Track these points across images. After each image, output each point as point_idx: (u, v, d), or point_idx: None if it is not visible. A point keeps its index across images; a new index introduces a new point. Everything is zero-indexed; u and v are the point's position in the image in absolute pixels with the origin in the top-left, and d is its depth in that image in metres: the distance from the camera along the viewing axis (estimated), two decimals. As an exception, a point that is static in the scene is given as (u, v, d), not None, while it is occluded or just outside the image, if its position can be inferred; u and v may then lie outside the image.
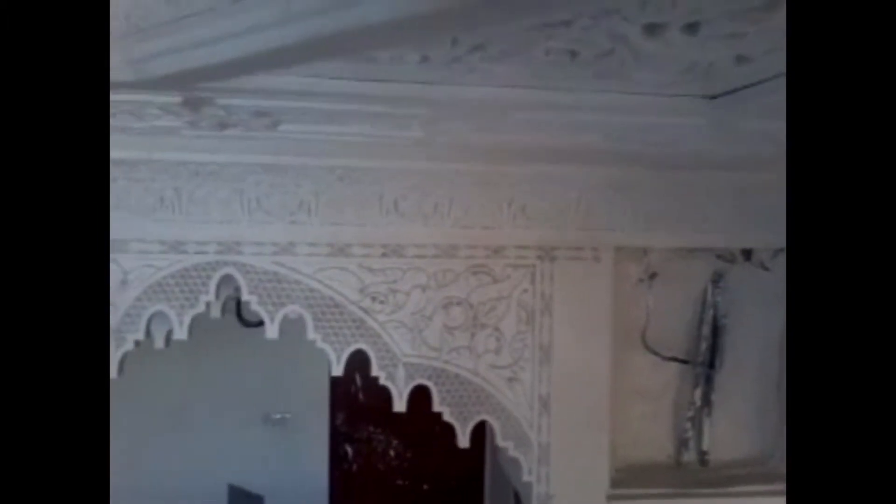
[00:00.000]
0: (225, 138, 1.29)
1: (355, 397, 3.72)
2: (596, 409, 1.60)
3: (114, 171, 1.38)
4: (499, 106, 0.94)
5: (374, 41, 0.65)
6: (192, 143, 1.30)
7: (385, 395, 3.54)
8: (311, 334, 1.53)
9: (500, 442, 1.58)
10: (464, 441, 1.57)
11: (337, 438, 3.72)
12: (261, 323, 3.38)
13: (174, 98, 0.94)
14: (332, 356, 1.54)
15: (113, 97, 0.97)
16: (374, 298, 1.53)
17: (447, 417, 1.56)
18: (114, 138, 1.27)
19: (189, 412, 3.60)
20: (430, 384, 1.56)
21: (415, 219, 1.50)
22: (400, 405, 1.56)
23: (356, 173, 1.44)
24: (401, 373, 1.55)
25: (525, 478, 1.57)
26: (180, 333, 1.51)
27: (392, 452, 3.74)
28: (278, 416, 3.69)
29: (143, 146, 1.28)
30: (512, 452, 1.58)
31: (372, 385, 3.70)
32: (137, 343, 1.51)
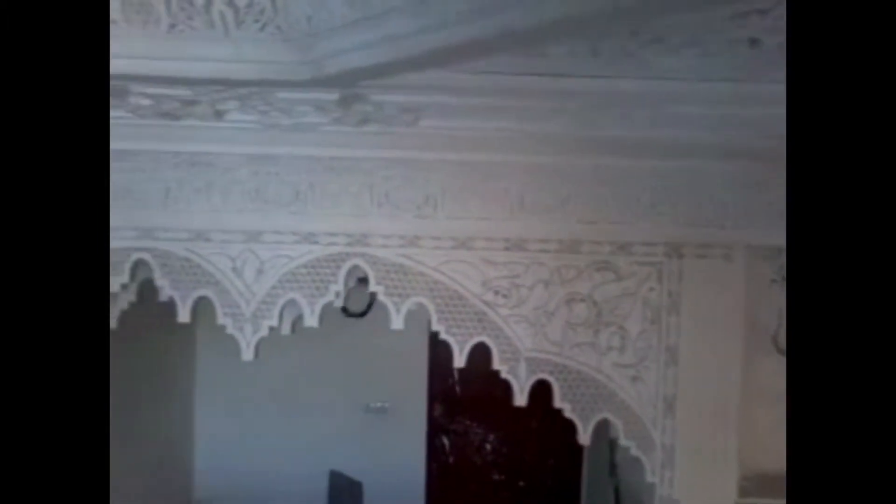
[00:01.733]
0: (361, 134, 1.33)
1: (453, 390, 3.76)
2: (723, 412, 1.54)
3: (255, 166, 1.46)
4: (655, 99, 0.92)
5: (557, 35, 0.65)
6: (329, 138, 1.35)
7: (482, 389, 3.60)
8: (435, 326, 1.55)
9: (622, 441, 1.55)
10: (585, 438, 1.56)
11: (434, 430, 3.78)
12: (362, 314, 3.48)
13: (332, 95, 0.97)
14: (455, 348, 1.56)
15: (271, 95, 1.02)
16: (496, 292, 1.54)
17: (568, 414, 1.55)
18: (261, 135, 1.35)
19: (294, 398, 3.76)
20: (551, 380, 1.55)
21: (539, 213, 1.50)
22: (521, 399, 1.56)
23: (484, 167, 1.46)
24: (522, 367, 1.55)
25: (648, 478, 1.54)
26: (311, 321, 1.57)
27: (488, 446, 3.76)
28: (378, 405, 3.79)
29: (285, 142, 1.35)
30: (634, 452, 1.54)
31: (469, 378, 3.75)
32: (271, 329, 1.59)
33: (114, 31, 0.80)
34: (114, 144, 1.41)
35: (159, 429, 3.52)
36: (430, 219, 1.51)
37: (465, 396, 3.75)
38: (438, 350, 3.68)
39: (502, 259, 1.53)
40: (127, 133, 1.35)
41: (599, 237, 1.50)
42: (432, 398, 3.81)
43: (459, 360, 1.58)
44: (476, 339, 1.56)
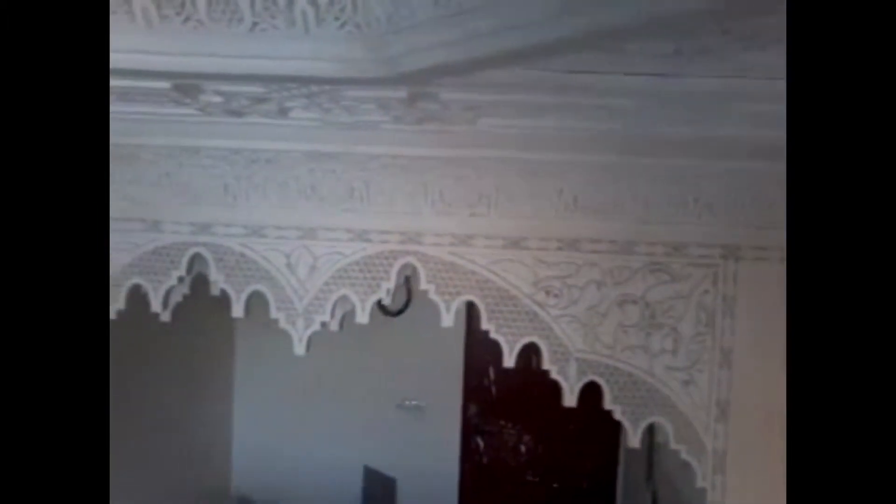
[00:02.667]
0: (418, 132, 1.34)
1: (488, 390, 3.76)
2: (779, 419, 1.50)
3: (311, 163, 1.48)
4: (727, 97, 0.91)
5: (649, 34, 0.65)
6: (387, 136, 1.36)
7: (518, 389, 3.58)
8: (485, 324, 1.56)
9: (672, 445, 1.53)
10: (634, 440, 1.54)
11: (469, 430, 3.79)
12: (399, 312, 3.49)
13: (400, 93, 0.98)
14: (505, 348, 1.56)
15: (339, 93, 1.03)
16: (547, 292, 1.54)
17: (618, 416, 1.54)
18: (320, 132, 1.36)
19: (330, 395, 3.80)
20: (601, 381, 1.54)
21: (593, 213, 1.49)
22: (571, 400, 1.55)
23: (538, 166, 1.45)
24: (572, 368, 1.55)
25: (699, 483, 1.52)
26: (363, 318, 1.59)
27: (523, 447, 3.75)
28: (413, 403, 3.81)
29: (344, 139, 1.36)
30: (684, 456, 1.53)
31: (505, 378, 3.74)
32: (323, 324, 1.61)
33: (197, 30, 0.82)
34: (177, 141, 1.45)
35: (198, 423, 3.59)
36: (483, 217, 1.52)
37: (500, 397, 3.75)
38: (474, 349, 3.68)
39: (554, 259, 1.53)
40: (190, 130, 1.38)
41: (654, 238, 1.49)
42: (467, 398, 3.81)
43: (509, 360, 1.57)
44: (526, 339, 1.56)
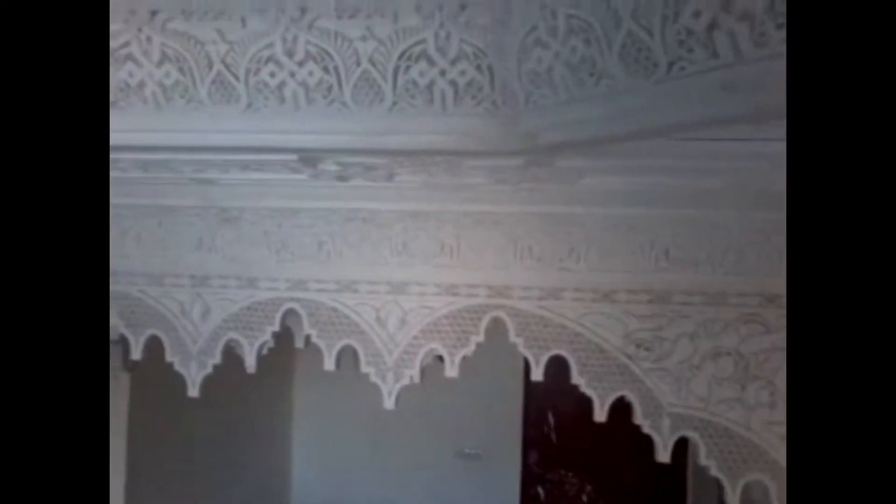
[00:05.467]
0: (515, 191, 1.38)
1: (548, 437, 3.71)
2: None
3: (406, 221, 1.53)
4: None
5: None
6: (484, 195, 1.40)
7: (579, 437, 3.50)
8: (576, 378, 1.56)
9: (775, 503, 1.49)
10: (734, 501, 1.51)
11: (529, 478, 3.72)
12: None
13: (517, 161, 1.02)
14: (596, 402, 1.55)
15: (459, 162, 1.08)
16: (638, 345, 1.54)
17: (714, 472, 1.51)
18: (419, 192, 1.41)
19: (387, 441, 3.79)
20: (696, 436, 1.52)
21: (684, 266, 1.50)
22: (664, 456, 1.53)
23: (629, 220, 1.47)
24: (665, 423, 1.53)
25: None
26: (451, 372, 1.61)
27: (585, 497, 3.67)
28: (471, 451, 3.77)
29: (441, 199, 1.41)
30: (787, 515, 1.49)
31: (565, 426, 3.68)
32: (412, 378, 1.64)
33: (340, 111, 0.88)
34: (279, 203, 1.52)
35: (257, 466, 3.61)
36: (573, 271, 1.54)
37: (561, 444, 3.69)
38: (533, 396, 3.65)
39: (645, 312, 1.53)
40: (293, 193, 1.45)
41: (748, 289, 1.48)
42: (527, 445, 3.76)
43: (601, 415, 1.57)
44: (617, 393, 1.55)
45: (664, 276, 1.50)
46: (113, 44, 0.92)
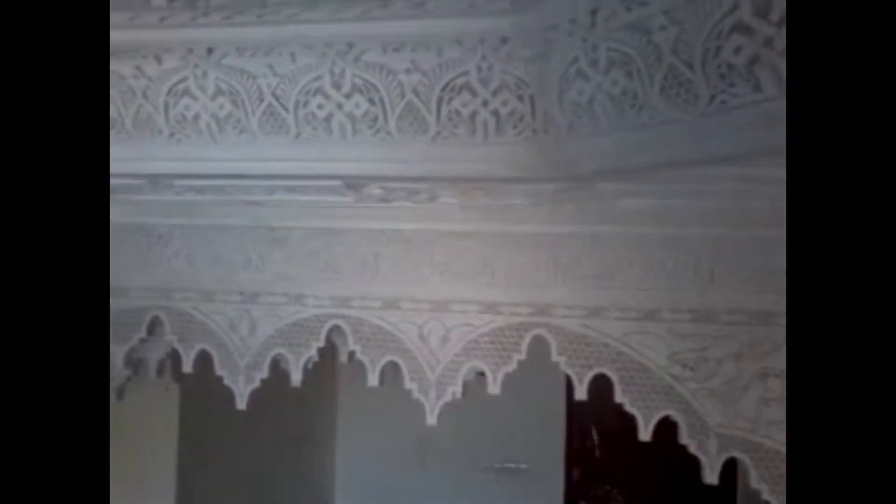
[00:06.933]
0: (555, 211, 1.39)
1: (592, 453, 3.66)
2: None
3: (448, 241, 1.55)
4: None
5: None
6: (525, 216, 1.41)
7: (625, 453, 3.44)
8: (619, 397, 1.55)
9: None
10: (785, 525, 1.47)
11: (572, 494, 3.68)
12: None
13: (559, 185, 1.03)
14: (641, 421, 1.54)
15: (499, 186, 1.09)
16: (683, 365, 1.52)
17: (766, 496, 1.48)
18: (460, 214, 1.44)
19: (429, 455, 3.80)
20: (745, 458, 1.49)
21: (730, 285, 1.47)
22: (712, 478, 1.50)
23: (673, 240, 1.46)
24: (713, 444, 1.50)
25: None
26: (494, 389, 1.62)
27: (630, 515, 3.60)
28: (512, 465, 3.75)
29: (483, 219, 1.43)
30: (840, 542, 1.44)
31: (610, 441, 3.63)
32: (454, 394, 1.65)
33: (386, 140, 0.91)
34: (326, 223, 1.57)
35: (302, 478, 3.67)
36: (615, 290, 1.53)
37: (605, 461, 3.64)
38: (576, 411, 3.61)
39: (689, 331, 1.51)
40: (339, 213, 1.49)
41: (796, 310, 1.45)
42: (570, 461, 3.72)
43: (645, 434, 1.55)
44: (662, 413, 1.53)
45: (708, 296, 1.48)
46: (172, 79, 0.97)
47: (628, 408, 1.56)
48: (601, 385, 1.57)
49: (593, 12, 0.71)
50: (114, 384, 1.94)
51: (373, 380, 1.68)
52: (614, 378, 1.55)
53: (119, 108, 1.07)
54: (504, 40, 0.82)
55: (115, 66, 1.04)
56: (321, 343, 1.71)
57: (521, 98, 0.85)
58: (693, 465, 1.52)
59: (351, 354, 1.74)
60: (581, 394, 1.58)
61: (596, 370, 1.57)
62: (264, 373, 1.73)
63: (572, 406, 3.59)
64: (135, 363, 1.87)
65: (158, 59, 0.98)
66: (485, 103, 0.87)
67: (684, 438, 1.54)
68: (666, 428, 1.54)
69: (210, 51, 0.94)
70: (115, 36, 0.94)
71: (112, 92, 1.05)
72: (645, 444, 1.56)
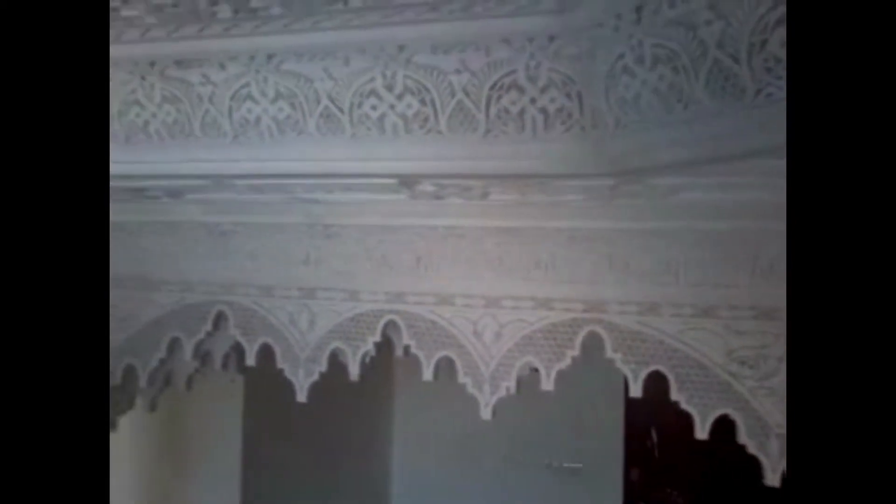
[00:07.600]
0: (607, 206, 1.39)
1: (651, 453, 3.60)
2: None
3: (500, 237, 1.57)
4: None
5: None
6: (577, 211, 1.41)
7: (685, 453, 3.36)
8: (675, 395, 1.53)
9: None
10: (851, 528, 1.42)
11: (631, 496, 3.63)
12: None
13: (609, 181, 1.03)
14: (697, 419, 1.52)
15: (549, 182, 1.10)
16: (742, 363, 1.49)
17: (829, 499, 1.43)
18: (512, 210, 1.45)
19: (484, 453, 3.82)
20: (807, 460, 1.44)
21: (791, 281, 1.43)
22: (774, 480, 1.47)
23: (730, 234, 1.43)
24: (774, 445, 1.47)
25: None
26: (547, 385, 1.62)
27: (690, 517, 3.53)
28: (569, 465, 3.72)
29: (535, 216, 1.43)
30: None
31: (669, 441, 3.56)
32: (508, 389, 1.67)
33: (437, 139, 0.93)
34: (380, 221, 1.61)
35: (361, 475, 3.75)
36: (671, 286, 1.51)
37: (664, 461, 3.58)
38: (635, 411, 3.56)
39: (748, 328, 1.48)
40: (393, 210, 1.53)
41: (863, 307, 1.40)
42: (629, 461, 3.67)
43: (702, 433, 1.53)
44: (719, 412, 1.50)
45: (769, 292, 1.44)
46: (235, 85, 1.03)
47: (684, 405, 1.53)
48: (661, 384, 1.56)
49: (638, 9, 0.71)
50: (183, 375, 2.05)
51: (427, 374, 1.71)
52: (670, 375, 1.53)
53: (188, 113, 1.13)
54: (551, 39, 0.83)
55: (184, 74, 1.10)
56: (377, 337, 1.75)
57: (568, 95, 0.86)
58: (756, 465, 1.48)
59: (406, 349, 1.78)
60: (636, 391, 1.56)
61: (652, 367, 1.55)
62: (323, 366, 1.79)
63: (631, 405, 3.54)
64: (202, 355, 1.96)
65: (223, 66, 1.04)
66: (533, 101, 0.88)
67: (743, 438, 1.50)
68: (726, 428, 1.51)
69: (270, 57, 0.99)
70: (184, 47, 1.01)
71: (182, 99, 1.12)
72: (706, 445, 1.53)
